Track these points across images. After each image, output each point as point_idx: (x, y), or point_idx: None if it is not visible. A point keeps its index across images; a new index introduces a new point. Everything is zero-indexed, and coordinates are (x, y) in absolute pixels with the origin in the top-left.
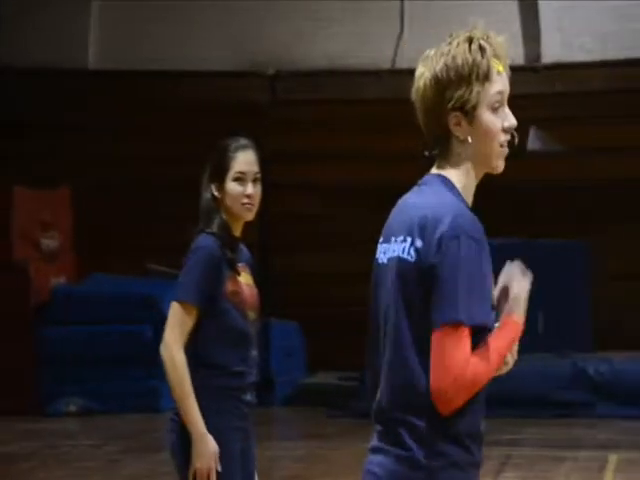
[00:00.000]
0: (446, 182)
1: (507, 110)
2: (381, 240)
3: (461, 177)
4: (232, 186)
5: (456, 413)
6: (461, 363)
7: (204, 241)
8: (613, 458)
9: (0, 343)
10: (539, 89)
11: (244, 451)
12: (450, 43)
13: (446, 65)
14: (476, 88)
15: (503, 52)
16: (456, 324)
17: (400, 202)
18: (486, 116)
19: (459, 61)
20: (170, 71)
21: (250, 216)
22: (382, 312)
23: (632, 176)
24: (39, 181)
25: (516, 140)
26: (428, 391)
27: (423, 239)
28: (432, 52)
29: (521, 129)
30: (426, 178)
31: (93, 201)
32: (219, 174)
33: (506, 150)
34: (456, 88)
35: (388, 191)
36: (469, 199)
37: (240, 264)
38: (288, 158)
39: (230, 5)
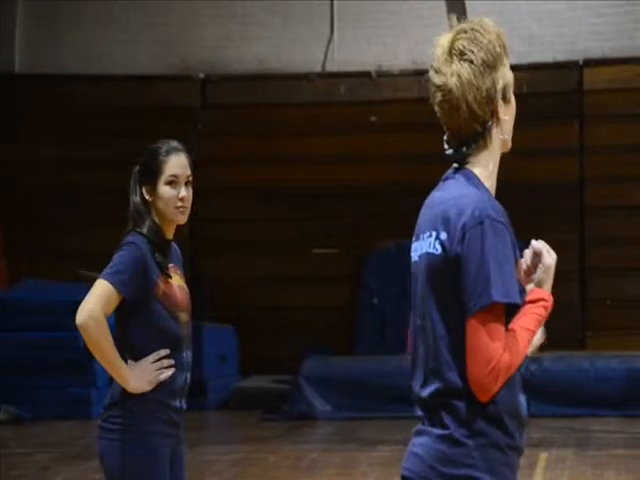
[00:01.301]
0: (468, 175)
1: None
2: (413, 239)
3: (487, 168)
4: (165, 190)
5: (495, 395)
6: (496, 352)
7: (133, 238)
8: (544, 456)
9: None
10: None
11: (173, 457)
12: (476, 30)
13: (489, 51)
14: (507, 65)
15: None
16: (490, 307)
17: (427, 200)
18: (513, 97)
19: (497, 47)
20: (99, 75)
21: (183, 219)
22: (418, 306)
23: (563, 178)
24: None
25: None
26: (464, 378)
27: (447, 231)
28: (462, 44)
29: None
30: (449, 173)
31: (22, 207)
32: (150, 177)
33: None
34: (501, 71)
35: (321, 194)
36: (493, 184)
37: (171, 265)
38: (219, 162)
39: (159, 8)
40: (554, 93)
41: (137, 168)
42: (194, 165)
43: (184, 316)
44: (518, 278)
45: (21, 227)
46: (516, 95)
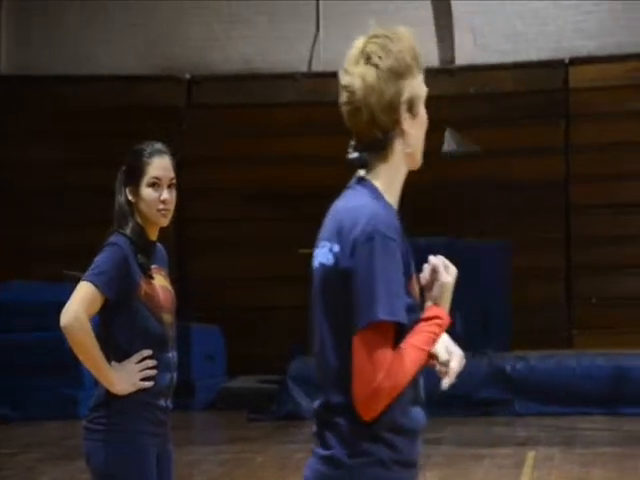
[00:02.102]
0: (367, 185)
1: None
2: (315, 245)
3: (388, 179)
4: (147, 192)
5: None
6: (379, 372)
7: (115, 238)
8: (531, 455)
9: None
10: (454, 91)
11: (160, 457)
12: (388, 37)
13: (397, 59)
14: (418, 79)
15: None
16: (375, 325)
17: (331, 207)
18: (423, 109)
19: (406, 54)
20: (86, 75)
21: (165, 222)
22: (314, 315)
23: (548, 177)
24: None
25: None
26: (348, 392)
27: (340, 244)
28: (371, 49)
29: (436, 131)
30: (352, 181)
31: (7, 208)
32: (134, 179)
33: None
34: (408, 79)
35: (306, 194)
36: (395, 198)
37: (154, 266)
38: (204, 162)
39: (144, 8)
40: (539, 92)
41: (123, 169)
42: (179, 166)
43: (168, 317)
44: (413, 294)
45: (6, 227)
46: (502, 94)
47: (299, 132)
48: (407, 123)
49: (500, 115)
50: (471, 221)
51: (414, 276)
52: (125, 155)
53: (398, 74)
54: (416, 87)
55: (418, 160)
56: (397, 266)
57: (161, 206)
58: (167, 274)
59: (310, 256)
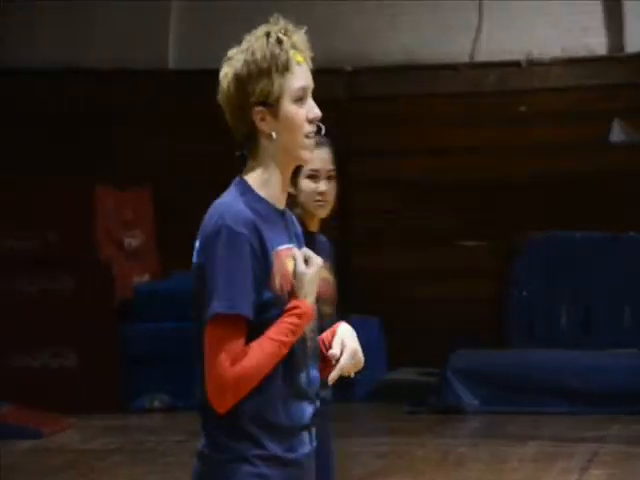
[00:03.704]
0: (237, 182)
1: (311, 101)
2: None
3: (263, 174)
4: (305, 183)
5: (238, 407)
6: (223, 366)
7: None
8: None
9: (85, 341)
10: (623, 79)
11: (319, 447)
12: (249, 40)
13: (245, 60)
14: (277, 80)
15: (303, 44)
16: (217, 319)
17: None
18: (290, 108)
19: (258, 55)
20: None
21: (323, 213)
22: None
23: None
24: (121, 181)
25: (322, 131)
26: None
27: (199, 240)
28: (234, 51)
29: (605, 120)
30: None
31: (174, 199)
32: (294, 171)
33: (312, 141)
34: (257, 82)
35: (467, 186)
36: (276, 194)
37: None
38: (366, 154)
39: (307, 2)
40: None
41: None
42: (341, 158)
43: (326, 309)
44: (275, 289)
45: (172, 219)
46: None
47: (461, 123)
48: (266, 125)
49: None
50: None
51: (284, 271)
52: None
53: (247, 76)
54: (276, 86)
55: (300, 156)
56: (243, 259)
57: (318, 197)
58: (329, 266)
59: (470, 249)
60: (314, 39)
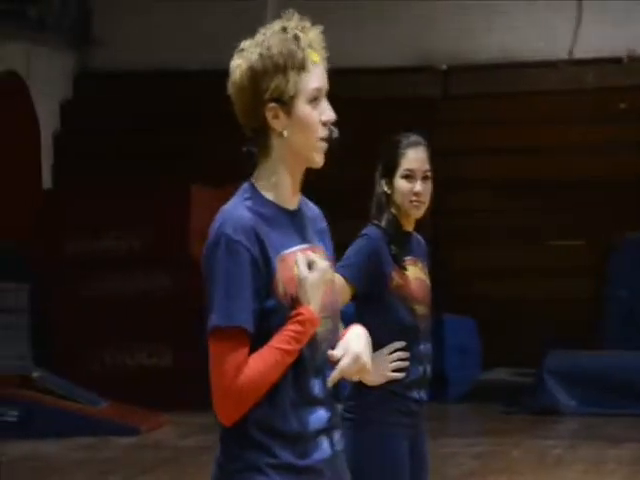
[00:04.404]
0: (244, 187)
1: (325, 103)
2: None
3: (272, 176)
4: (401, 183)
5: (248, 416)
6: (226, 377)
7: (368, 230)
8: None
9: (180, 340)
10: None
11: (413, 447)
12: (264, 34)
13: (261, 54)
14: (293, 78)
15: (318, 44)
16: (217, 331)
17: None
18: (304, 108)
19: (274, 50)
20: (347, 68)
21: (418, 213)
22: None
23: None
24: (215, 179)
25: (334, 134)
26: None
27: (204, 248)
28: (247, 43)
29: None
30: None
31: None
32: (389, 170)
33: (325, 144)
34: (272, 78)
35: (559, 185)
36: (285, 195)
37: (409, 258)
38: (461, 153)
39: (403, 1)
40: None
41: (380, 160)
42: (435, 157)
43: (420, 309)
44: (279, 296)
45: None
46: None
47: (560, 120)
48: (278, 123)
49: None
50: None
51: (289, 276)
52: (382, 147)
53: (262, 71)
54: (290, 85)
55: (310, 159)
56: (242, 269)
57: (414, 198)
58: (425, 266)
59: (561, 248)
60: (410, 38)
